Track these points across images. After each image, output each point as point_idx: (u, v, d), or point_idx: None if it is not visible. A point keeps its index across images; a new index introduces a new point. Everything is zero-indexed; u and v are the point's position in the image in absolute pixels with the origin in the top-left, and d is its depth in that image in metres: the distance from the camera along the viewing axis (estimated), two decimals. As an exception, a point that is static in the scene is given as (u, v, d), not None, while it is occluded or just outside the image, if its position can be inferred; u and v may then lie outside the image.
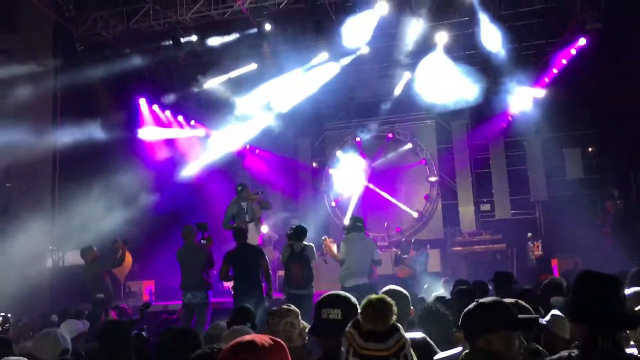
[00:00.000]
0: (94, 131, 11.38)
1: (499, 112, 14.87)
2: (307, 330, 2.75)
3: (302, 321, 3.68)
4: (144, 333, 3.97)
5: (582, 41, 12.54)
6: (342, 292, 2.86)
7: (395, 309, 1.71)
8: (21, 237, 10.25)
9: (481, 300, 2.35)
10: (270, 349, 1.59)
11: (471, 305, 2.32)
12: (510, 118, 15.22)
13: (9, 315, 4.93)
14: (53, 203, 11.11)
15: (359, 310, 1.61)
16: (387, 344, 1.59)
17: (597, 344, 2.22)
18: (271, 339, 1.65)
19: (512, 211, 15.43)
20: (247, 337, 1.65)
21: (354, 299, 2.78)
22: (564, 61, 13.23)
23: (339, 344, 2.68)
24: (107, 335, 3.15)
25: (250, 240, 8.69)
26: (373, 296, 1.61)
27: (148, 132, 14.01)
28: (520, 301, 2.85)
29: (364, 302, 1.60)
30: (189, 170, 14.63)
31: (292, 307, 3.66)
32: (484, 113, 15.05)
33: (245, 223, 9.32)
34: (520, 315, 2.36)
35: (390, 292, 3.65)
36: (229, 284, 10.87)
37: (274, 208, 15.83)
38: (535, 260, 13.20)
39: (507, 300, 2.89)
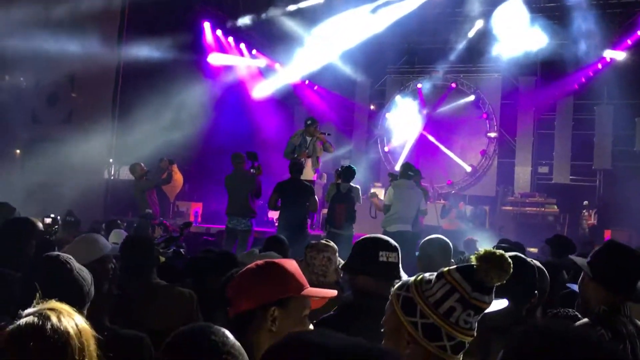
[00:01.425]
0: (157, 50, 11.46)
1: (572, 71, 14.11)
2: (352, 271, 2.69)
3: (339, 259, 3.67)
4: (182, 250, 4.08)
5: (675, 3, 11.62)
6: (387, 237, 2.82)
7: None
8: (82, 147, 10.59)
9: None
10: (258, 270, 1.78)
11: None
12: (583, 79, 14.44)
13: (58, 217, 5.14)
14: (113, 117, 11.37)
15: (476, 259, 1.55)
16: (489, 297, 1.58)
17: (621, 311, 2.41)
18: (263, 261, 1.82)
19: (570, 177, 14.89)
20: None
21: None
22: (652, 24, 12.34)
23: (387, 288, 2.65)
24: (127, 249, 3.22)
25: (306, 175, 8.72)
26: (496, 250, 1.56)
27: (216, 58, 14.06)
28: (519, 254, 2.71)
29: (487, 252, 1.54)
30: (246, 99, 14.67)
31: (331, 242, 3.66)
32: (555, 71, 14.31)
33: (304, 156, 9.33)
34: None
35: (436, 240, 3.58)
36: (274, 215, 11.07)
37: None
38: (588, 230, 12.80)
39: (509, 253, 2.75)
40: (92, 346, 1.48)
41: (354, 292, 2.69)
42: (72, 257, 2.11)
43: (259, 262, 1.84)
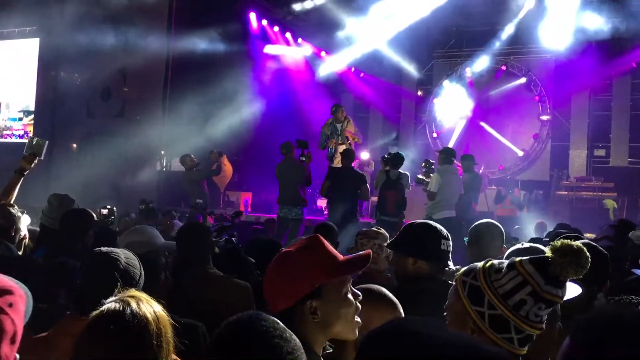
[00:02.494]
0: (205, 41, 11.61)
1: (628, 50, 13.53)
2: (407, 254, 2.66)
3: (390, 246, 3.64)
4: (234, 239, 4.14)
5: None
6: None
7: None
8: (134, 140, 10.90)
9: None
10: (279, 267, 1.70)
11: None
12: (641, 57, 13.85)
13: (114, 208, 5.29)
14: (164, 109, 11.62)
15: (552, 251, 1.49)
16: (562, 291, 1.51)
17: None
18: (282, 254, 1.73)
19: (629, 159, 14.33)
20: None
21: None
22: None
23: (441, 273, 2.66)
24: (183, 237, 3.28)
25: (338, 164, 8.76)
26: (574, 243, 1.48)
27: (270, 49, 14.18)
28: (591, 242, 2.59)
29: (564, 245, 1.47)
30: (293, 88, 14.72)
31: (382, 230, 3.63)
32: (611, 50, 13.75)
33: (336, 144, 9.34)
34: None
35: (488, 225, 3.48)
36: (322, 204, 11.11)
37: (374, 134, 15.72)
38: (648, 214, 12.30)
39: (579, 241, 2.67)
40: (169, 333, 1.54)
41: (403, 274, 2.66)
42: (119, 251, 2.17)
43: (278, 256, 1.73)
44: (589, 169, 14.62)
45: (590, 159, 14.82)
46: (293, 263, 1.68)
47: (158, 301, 1.59)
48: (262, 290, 1.76)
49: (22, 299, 1.33)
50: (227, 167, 11.87)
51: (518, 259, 1.56)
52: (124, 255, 2.14)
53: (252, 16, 14.11)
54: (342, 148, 9.26)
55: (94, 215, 3.79)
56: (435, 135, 16.41)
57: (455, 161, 8.34)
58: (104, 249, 2.16)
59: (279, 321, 1.32)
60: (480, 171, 13.55)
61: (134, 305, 1.51)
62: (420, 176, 8.77)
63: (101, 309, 1.51)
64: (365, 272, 3.29)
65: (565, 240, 1.49)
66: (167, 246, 3.47)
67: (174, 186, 11.33)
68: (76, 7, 11.24)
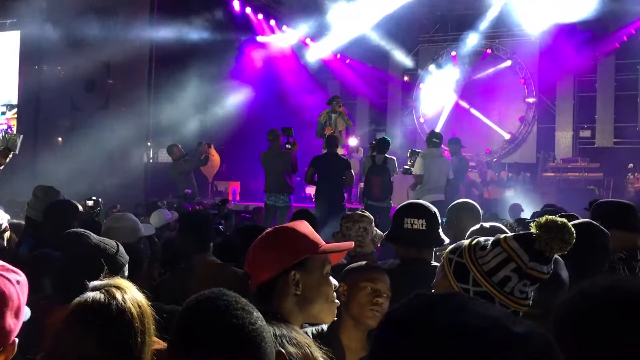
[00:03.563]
0: (189, 30, 11.52)
1: (612, 30, 13.59)
2: (384, 238, 2.76)
3: (375, 229, 3.66)
4: (221, 227, 4.15)
5: None
6: (424, 202, 2.83)
7: None
8: (120, 132, 10.83)
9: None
10: (268, 239, 1.78)
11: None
12: (625, 38, 13.89)
13: (100, 200, 5.28)
14: (149, 100, 11.53)
15: (536, 227, 1.48)
16: (548, 267, 1.50)
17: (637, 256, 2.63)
18: (272, 229, 1.83)
19: (614, 139, 14.44)
20: None
21: (434, 208, 2.78)
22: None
23: (420, 254, 2.67)
24: (186, 223, 3.29)
25: None
26: (558, 219, 1.47)
27: (260, 37, 14.22)
28: (591, 221, 2.64)
29: (548, 220, 1.46)
30: (279, 76, 14.66)
31: (366, 213, 3.64)
32: (595, 31, 13.80)
33: (327, 131, 9.42)
34: None
35: (464, 204, 3.53)
36: (311, 191, 11.13)
37: (361, 120, 15.72)
38: (634, 193, 12.41)
39: (580, 220, 2.72)
40: (152, 328, 1.51)
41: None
42: (89, 232, 2.18)
43: (268, 230, 1.83)
44: (575, 150, 14.73)
45: (576, 140, 14.92)
46: (285, 233, 1.78)
47: (142, 291, 1.55)
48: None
49: (25, 283, 1.38)
50: (215, 157, 11.85)
51: (503, 235, 1.55)
52: (96, 236, 2.14)
53: (236, 4, 13.99)
54: None
55: (79, 207, 3.78)
56: (422, 120, 16.42)
57: (443, 145, 8.36)
58: (72, 230, 2.16)
59: (239, 296, 1.34)
60: (481, 157, 13.68)
61: (119, 297, 1.45)
62: (406, 166, 8.78)
63: (85, 297, 1.44)
64: (352, 255, 3.33)
65: (550, 216, 1.48)
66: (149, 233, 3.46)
67: (161, 177, 11.29)
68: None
